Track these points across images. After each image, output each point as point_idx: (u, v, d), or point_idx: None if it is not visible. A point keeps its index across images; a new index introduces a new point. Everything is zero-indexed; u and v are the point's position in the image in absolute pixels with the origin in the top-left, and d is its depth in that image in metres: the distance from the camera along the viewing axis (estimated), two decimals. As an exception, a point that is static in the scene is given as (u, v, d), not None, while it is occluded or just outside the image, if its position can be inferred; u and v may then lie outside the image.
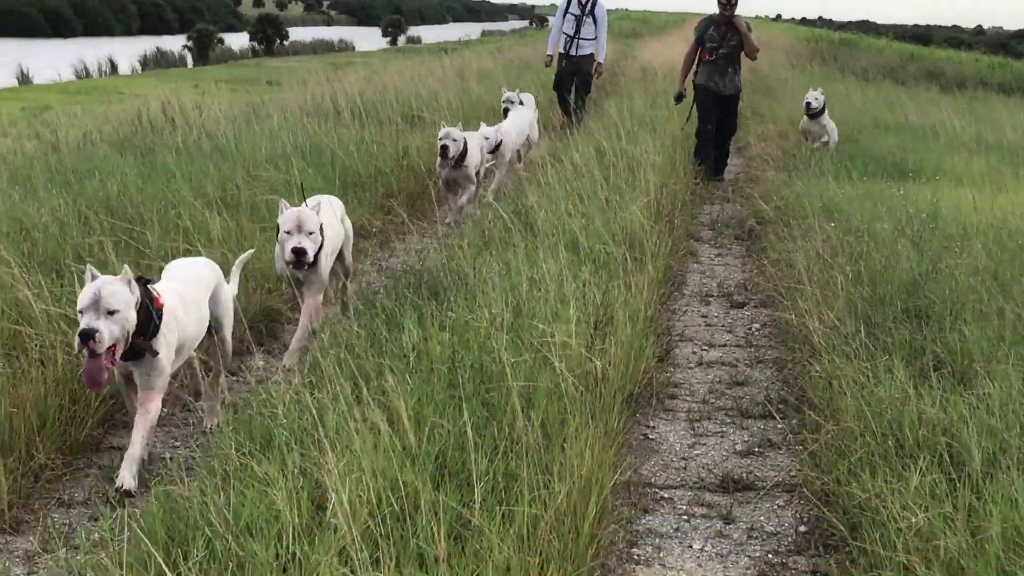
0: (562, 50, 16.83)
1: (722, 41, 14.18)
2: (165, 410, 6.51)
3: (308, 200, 7.56)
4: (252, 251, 7.52)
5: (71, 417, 6.13)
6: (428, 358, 5.88)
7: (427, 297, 7.08)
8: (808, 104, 15.46)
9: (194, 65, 49.45)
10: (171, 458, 5.99)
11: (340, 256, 8.18)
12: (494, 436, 5.09)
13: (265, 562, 4.02)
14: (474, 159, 11.69)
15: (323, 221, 7.48)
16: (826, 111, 15.60)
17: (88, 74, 40.92)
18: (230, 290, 6.95)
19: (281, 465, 4.72)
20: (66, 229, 8.65)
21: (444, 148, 11.29)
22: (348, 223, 8.43)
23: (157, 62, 47.47)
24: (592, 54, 16.81)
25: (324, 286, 7.65)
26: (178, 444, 6.34)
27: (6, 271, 7.21)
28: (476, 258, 7.82)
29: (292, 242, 7.15)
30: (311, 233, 7.20)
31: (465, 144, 11.45)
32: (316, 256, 7.29)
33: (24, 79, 36.96)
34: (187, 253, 8.37)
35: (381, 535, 4.19)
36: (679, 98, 14.96)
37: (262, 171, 11.02)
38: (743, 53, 14.39)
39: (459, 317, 6.44)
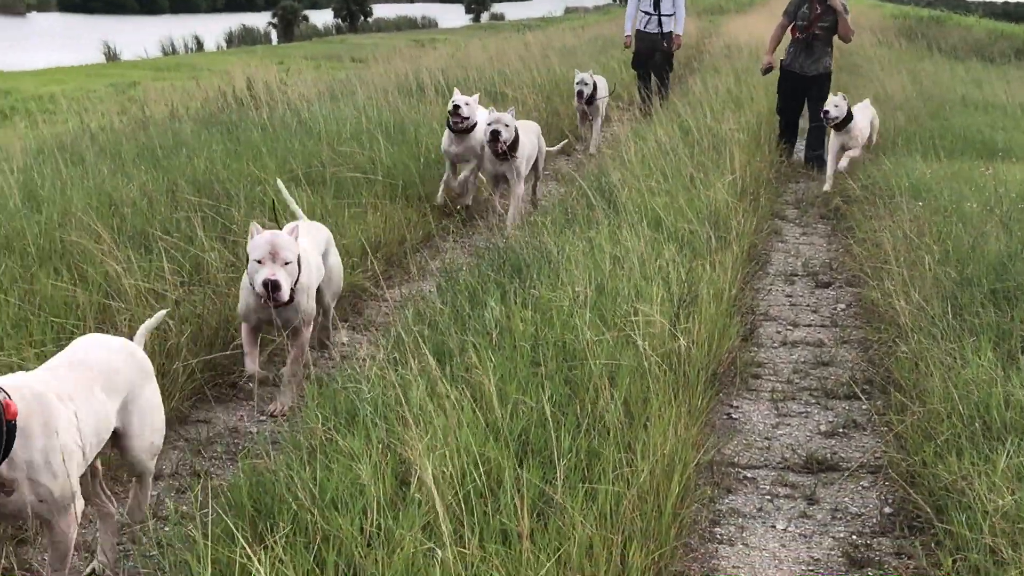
0: (641, 28, 16.67)
1: (814, 20, 13.42)
2: (250, 386, 6.59)
3: (287, 225, 6.45)
4: (165, 312, 5.53)
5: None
6: (511, 335, 5.89)
7: (510, 274, 7.09)
8: (826, 113, 12.34)
9: (279, 42, 49.84)
10: (257, 432, 6.07)
11: (318, 297, 6.95)
12: (577, 414, 5.09)
13: (350, 536, 4.05)
14: (525, 152, 10.56)
15: (304, 249, 6.45)
16: (855, 116, 12.58)
17: (175, 51, 41.43)
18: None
19: (366, 440, 4.76)
20: (154, 204, 8.77)
21: (495, 133, 10.16)
22: (335, 258, 7.25)
23: (242, 39, 47.94)
24: (671, 31, 16.64)
25: (310, 317, 6.56)
26: (264, 419, 6.40)
27: (96, 246, 7.32)
28: (559, 235, 7.82)
29: (264, 273, 5.94)
30: (287, 263, 6.01)
31: (517, 133, 10.34)
32: (293, 288, 6.15)
33: (112, 56, 37.46)
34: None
35: (464, 510, 4.21)
36: (767, 70, 14.45)
37: (346, 148, 11.08)
38: (836, 35, 13.61)
39: (542, 295, 6.44)
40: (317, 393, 5.60)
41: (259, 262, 5.96)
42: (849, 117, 12.35)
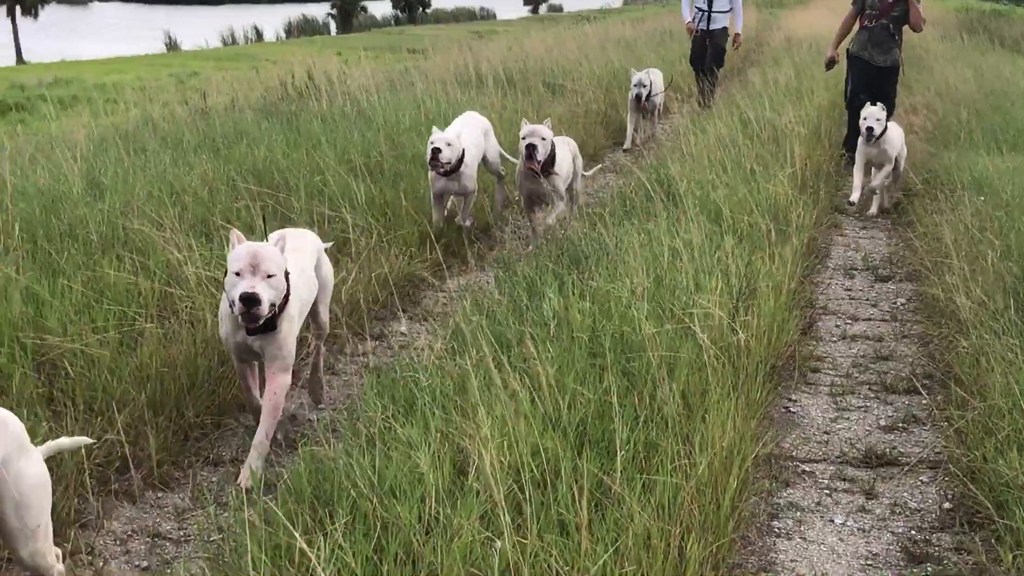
0: (696, 24, 16.57)
1: (885, 10, 12.82)
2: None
3: (272, 234, 5.82)
4: (87, 440, 4.73)
5: (219, 377, 6.26)
6: (569, 326, 5.89)
7: (568, 266, 7.10)
8: (870, 130, 11.00)
9: (337, 33, 50.07)
10: (317, 419, 6.11)
11: (313, 312, 6.26)
12: (635, 405, 5.09)
13: (409, 524, 4.07)
14: (564, 167, 9.36)
15: (291, 266, 5.57)
16: (889, 130, 11.23)
17: (234, 41, 41.69)
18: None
19: (424, 429, 4.78)
20: (215, 194, 8.85)
21: (531, 148, 8.93)
22: (327, 267, 6.42)
23: (301, 29, 48.23)
24: (725, 28, 16.51)
25: (292, 360, 5.65)
26: (322, 406, 6.44)
27: (158, 233, 7.40)
28: (617, 227, 7.81)
29: (241, 286, 5.11)
30: (271, 276, 5.20)
31: (553, 147, 9.16)
32: (277, 313, 5.39)
33: (172, 46, 37.77)
34: (331, 219, 8.50)
35: (522, 500, 4.22)
36: (830, 64, 13.93)
37: (405, 138, 11.11)
38: (907, 24, 12.92)
39: (600, 286, 6.44)
40: (376, 382, 5.63)
41: (238, 274, 5.16)
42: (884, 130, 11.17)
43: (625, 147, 14.43)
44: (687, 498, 4.44)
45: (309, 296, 5.95)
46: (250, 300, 5.08)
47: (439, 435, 4.73)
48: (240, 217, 8.23)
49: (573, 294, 6.35)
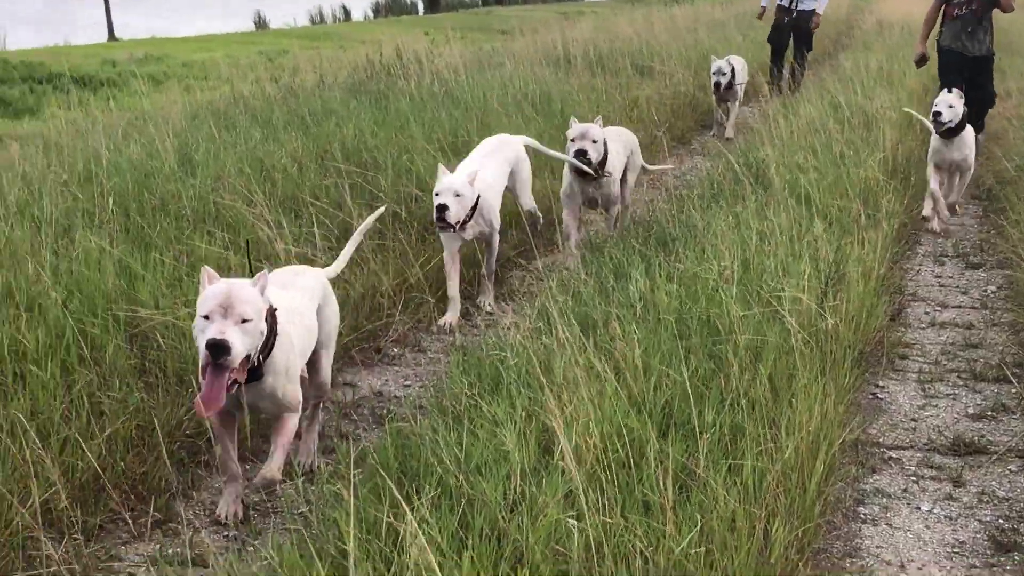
0: (782, 2, 16.40)
1: None
2: (396, 350, 6.67)
3: (278, 270, 5.45)
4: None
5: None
6: (655, 308, 5.89)
7: (655, 247, 7.09)
8: (938, 115, 9.55)
9: (425, 13, 50.12)
10: (403, 396, 6.16)
11: (312, 365, 5.44)
12: (720, 388, 5.08)
13: (494, 501, 4.10)
14: (616, 167, 8.55)
15: (281, 305, 4.85)
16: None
17: (322, 19, 41.88)
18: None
19: (510, 407, 4.80)
20: (304, 170, 8.93)
21: (581, 153, 8.10)
22: (333, 307, 5.61)
23: (389, 9, 48.30)
24: (814, 9, 16.36)
25: (295, 400, 4.94)
26: (409, 383, 6.49)
27: (248, 209, 7.48)
28: (705, 210, 7.78)
29: (210, 332, 4.35)
30: (245, 321, 4.42)
31: (605, 146, 8.31)
32: (262, 360, 4.65)
33: (261, 24, 38.04)
34: (418, 199, 8.53)
35: (606, 480, 4.23)
36: (920, 61, 13.41)
37: (493, 118, 11.13)
38: (996, 8, 12.07)
39: (687, 268, 6.43)
40: (462, 360, 5.67)
41: (206, 318, 4.41)
42: (962, 125, 9.75)
43: (712, 133, 14.31)
44: (773, 482, 4.43)
45: (308, 342, 5.18)
46: (217, 348, 4.32)
47: (524, 413, 4.75)
48: (329, 194, 8.30)
49: (660, 276, 6.34)
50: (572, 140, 8.18)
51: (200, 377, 4.47)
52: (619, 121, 12.02)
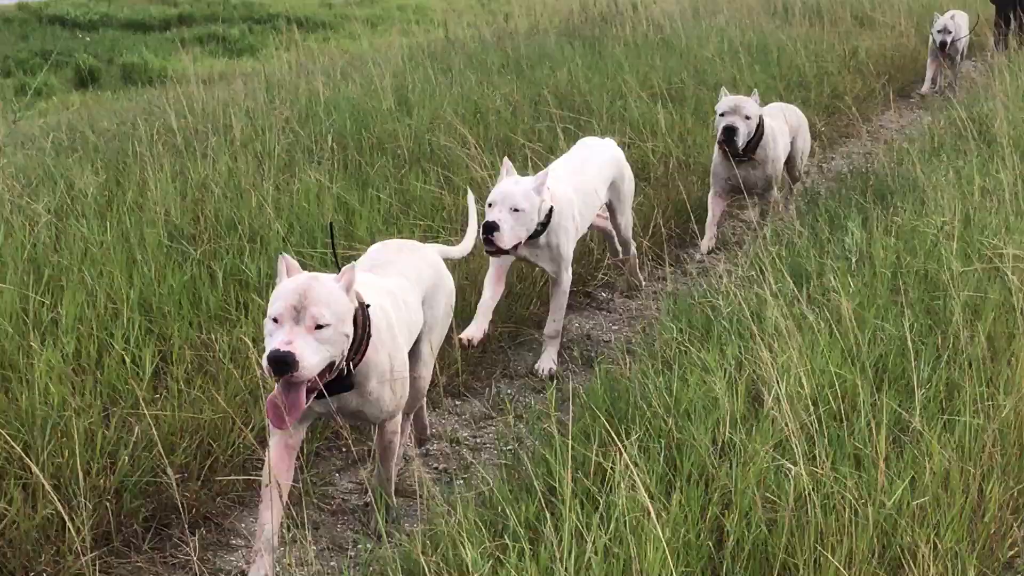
0: None
1: None
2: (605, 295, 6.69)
3: (377, 244, 4.84)
4: None
5: (518, 294, 6.41)
6: (871, 261, 5.79)
7: (873, 200, 6.96)
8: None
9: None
10: (613, 340, 6.20)
11: (415, 351, 4.56)
12: (937, 345, 4.98)
13: (703, 446, 4.11)
14: (772, 149, 7.42)
15: (377, 294, 4.19)
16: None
17: (536, -35, 41.85)
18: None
19: (719, 355, 4.79)
20: (517, 113, 8.99)
21: (729, 131, 7.13)
22: (446, 291, 4.80)
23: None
24: None
25: (396, 405, 4.23)
26: (615, 327, 6.52)
27: (463, 150, 7.58)
28: (925, 164, 7.59)
29: (276, 339, 3.66)
30: (320, 327, 3.71)
31: (761, 123, 7.32)
32: (347, 368, 3.91)
33: (477, -31, 38.21)
34: (632, 144, 8.49)
35: (817, 432, 4.19)
36: None
37: (708, 67, 11.04)
38: None
39: (905, 222, 6.30)
40: (672, 306, 5.67)
41: (276, 320, 3.73)
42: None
43: (922, 91, 13.60)
44: (989, 440, 4.32)
45: (407, 338, 4.41)
46: (280, 363, 3.62)
47: (735, 362, 4.74)
48: (542, 138, 8.35)
49: (877, 229, 6.23)
50: (721, 115, 7.20)
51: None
52: (836, 72, 11.80)
